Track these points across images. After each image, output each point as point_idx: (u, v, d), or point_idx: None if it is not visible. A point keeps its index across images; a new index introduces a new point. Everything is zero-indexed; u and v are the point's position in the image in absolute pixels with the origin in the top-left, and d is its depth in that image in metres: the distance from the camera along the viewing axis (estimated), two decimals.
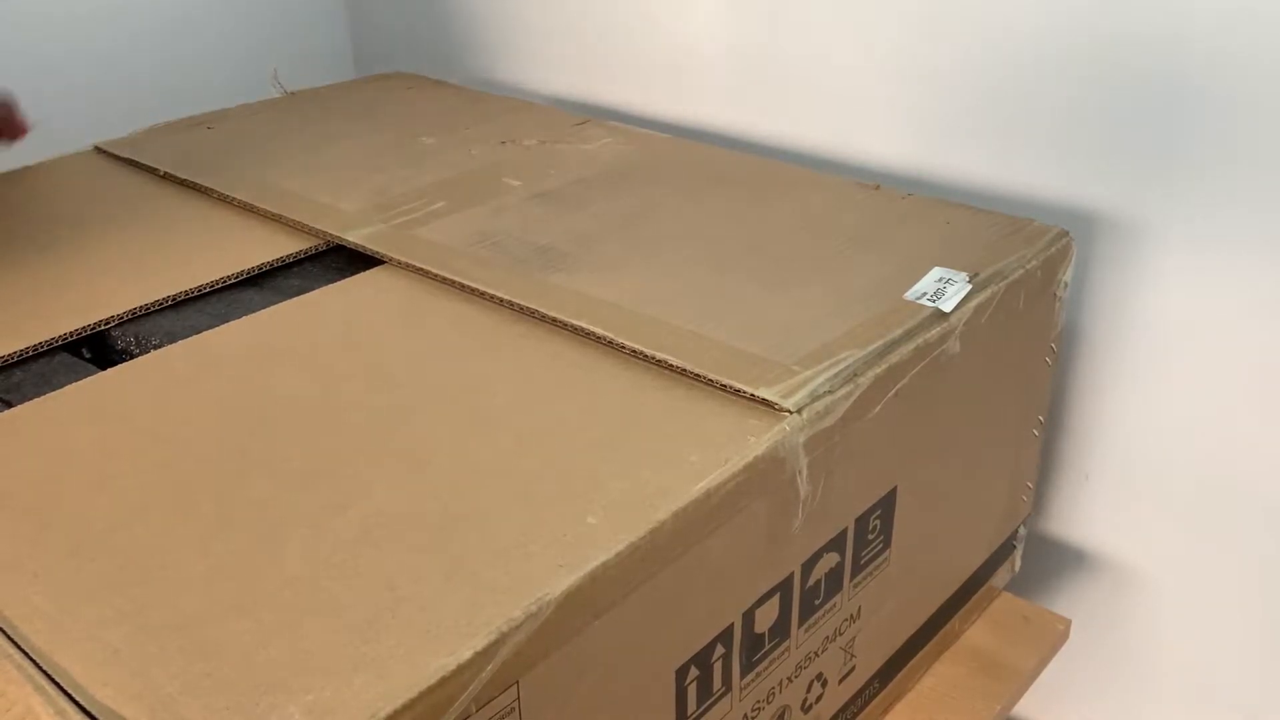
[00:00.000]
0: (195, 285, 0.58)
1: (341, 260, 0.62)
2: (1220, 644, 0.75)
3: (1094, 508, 0.78)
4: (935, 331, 0.51)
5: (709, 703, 0.46)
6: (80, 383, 0.50)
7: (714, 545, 0.42)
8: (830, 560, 0.50)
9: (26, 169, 0.77)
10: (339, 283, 0.58)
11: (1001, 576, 0.70)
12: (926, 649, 0.64)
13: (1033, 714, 0.88)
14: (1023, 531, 0.71)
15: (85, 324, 0.55)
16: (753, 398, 0.46)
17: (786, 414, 0.44)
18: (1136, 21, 0.64)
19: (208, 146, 0.79)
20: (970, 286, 0.54)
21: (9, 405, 0.48)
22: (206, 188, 0.71)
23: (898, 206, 0.65)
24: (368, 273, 0.59)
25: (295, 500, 0.41)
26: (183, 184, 0.73)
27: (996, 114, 0.72)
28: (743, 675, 0.47)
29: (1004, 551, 0.69)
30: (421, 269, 0.58)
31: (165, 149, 0.78)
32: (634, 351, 0.50)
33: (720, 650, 0.45)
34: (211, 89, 1.02)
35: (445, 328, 0.53)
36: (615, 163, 0.73)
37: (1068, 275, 0.62)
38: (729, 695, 0.47)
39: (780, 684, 0.50)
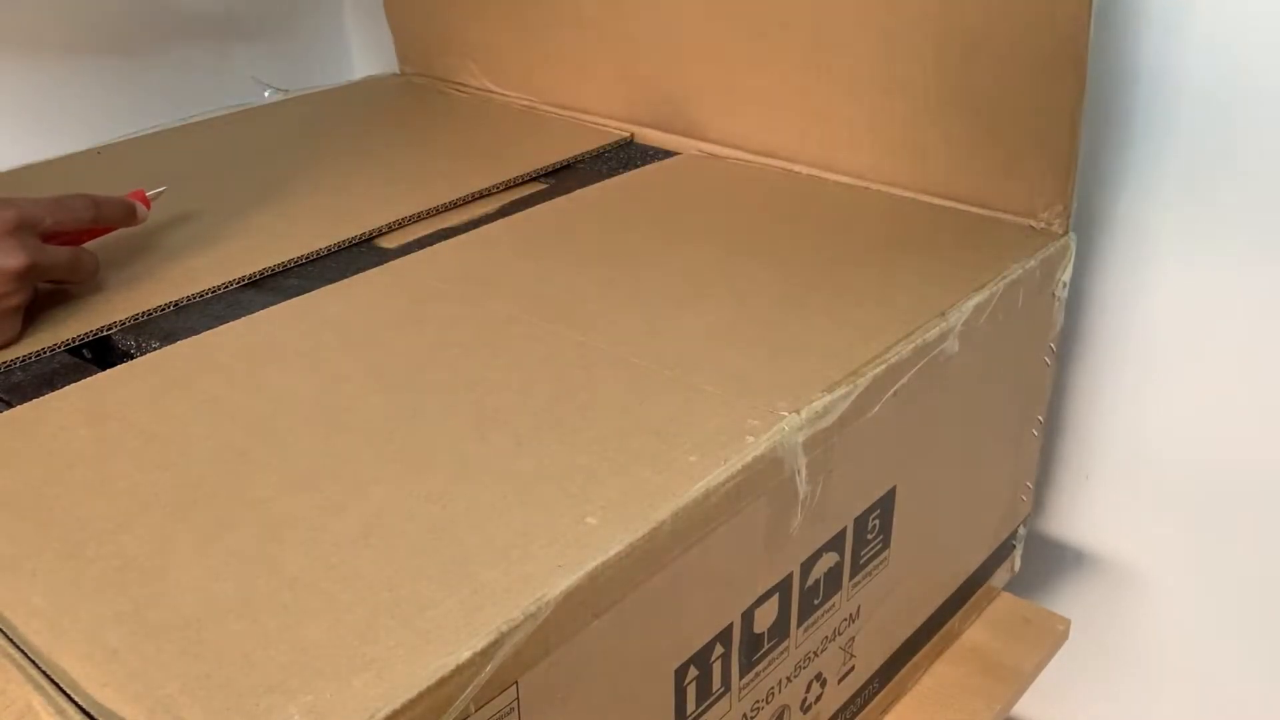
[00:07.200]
0: (196, 290, 0.58)
1: (341, 260, 0.62)
2: (1220, 644, 0.75)
3: (1094, 508, 0.78)
4: (934, 331, 0.51)
5: (708, 703, 0.46)
6: (80, 383, 0.50)
7: (713, 545, 0.42)
8: (829, 560, 0.50)
9: (27, 167, 0.77)
10: (339, 283, 0.58)
11: (1001, 576, 0.71)
12: (926, 649, 0.64)
13: (1033, 714, 0.88)
14: (1022, 531, 0.71)
15: (89, 329, 0.55)
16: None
17: (785, 414, 0.45)
18: (1137, 21, 0.64)
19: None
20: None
21: (9, 405, 0.48)
22: (206, 191, 0.71)
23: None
24: (368, 273, 0.59)
25: (295, 500, 0.41)
26: (179, 189, 0.73)
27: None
28: (742, 675, 0.47)
29: (1004, 551, 0.69)
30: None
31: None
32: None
33: (719, 650, 0.45)
34: (211, 90, 1.02)
35: (445, 327, 0.53)
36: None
37: (1067, 275, 0.62)
38: (728, 695, 0.47)
39: (779, 684, 0.50)
